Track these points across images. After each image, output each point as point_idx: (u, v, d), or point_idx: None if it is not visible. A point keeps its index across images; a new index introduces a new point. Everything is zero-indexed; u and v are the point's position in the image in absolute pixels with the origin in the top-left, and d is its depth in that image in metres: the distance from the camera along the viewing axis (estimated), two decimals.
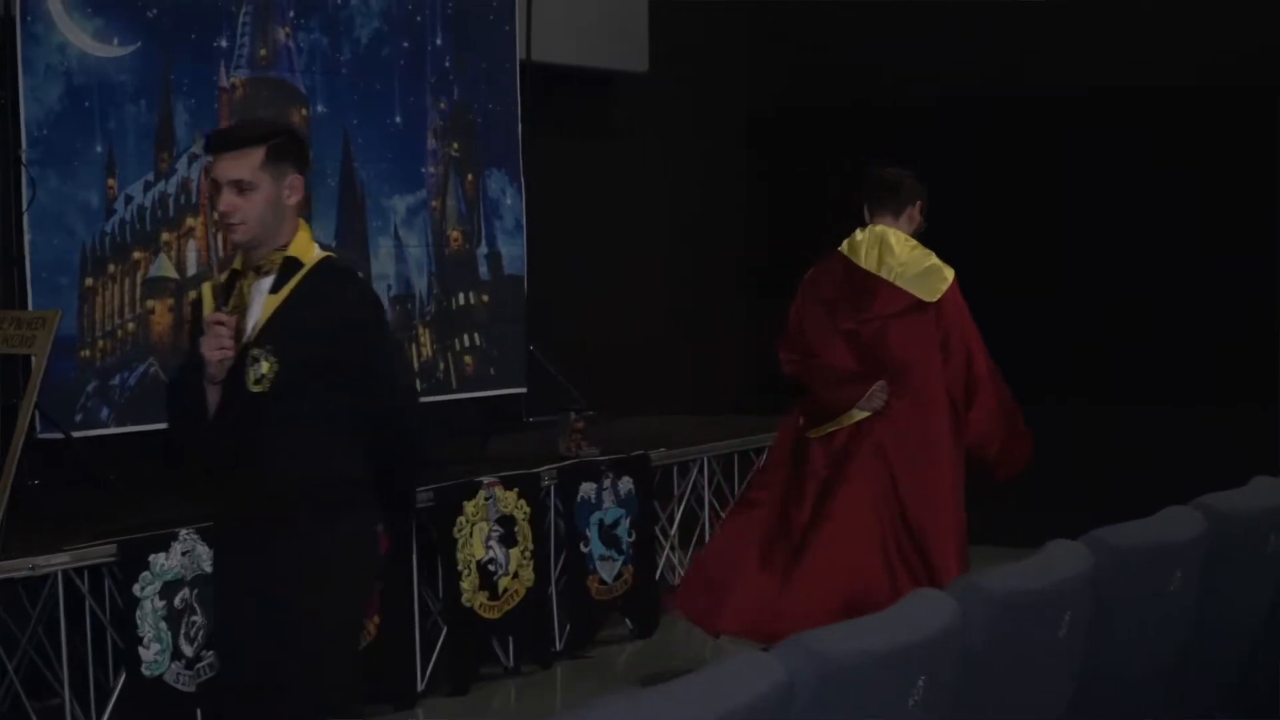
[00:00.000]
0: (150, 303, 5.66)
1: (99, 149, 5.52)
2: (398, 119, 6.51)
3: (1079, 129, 8.23)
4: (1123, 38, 8.58)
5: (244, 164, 3.87)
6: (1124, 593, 3.57)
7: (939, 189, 8.28)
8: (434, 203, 6.68)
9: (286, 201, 3.93)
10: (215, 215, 3.97)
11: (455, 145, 6.74)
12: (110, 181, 5.56)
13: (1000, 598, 3.11)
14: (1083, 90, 8.37)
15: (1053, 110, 8.36)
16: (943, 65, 8.83)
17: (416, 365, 6.60)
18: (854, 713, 2.66)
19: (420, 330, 6.64)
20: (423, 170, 6.64)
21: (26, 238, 5.31)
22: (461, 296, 6.81)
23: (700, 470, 7.21)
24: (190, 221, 5.78)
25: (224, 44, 5.89)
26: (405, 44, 6.51)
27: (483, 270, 6.89)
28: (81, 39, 5.47)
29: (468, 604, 5.96)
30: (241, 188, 3.87)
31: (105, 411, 5.54)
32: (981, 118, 8.51)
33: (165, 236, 5.70)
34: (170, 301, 5.71)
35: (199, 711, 5.18)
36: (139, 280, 5.64)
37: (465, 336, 6.82)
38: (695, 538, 7.30)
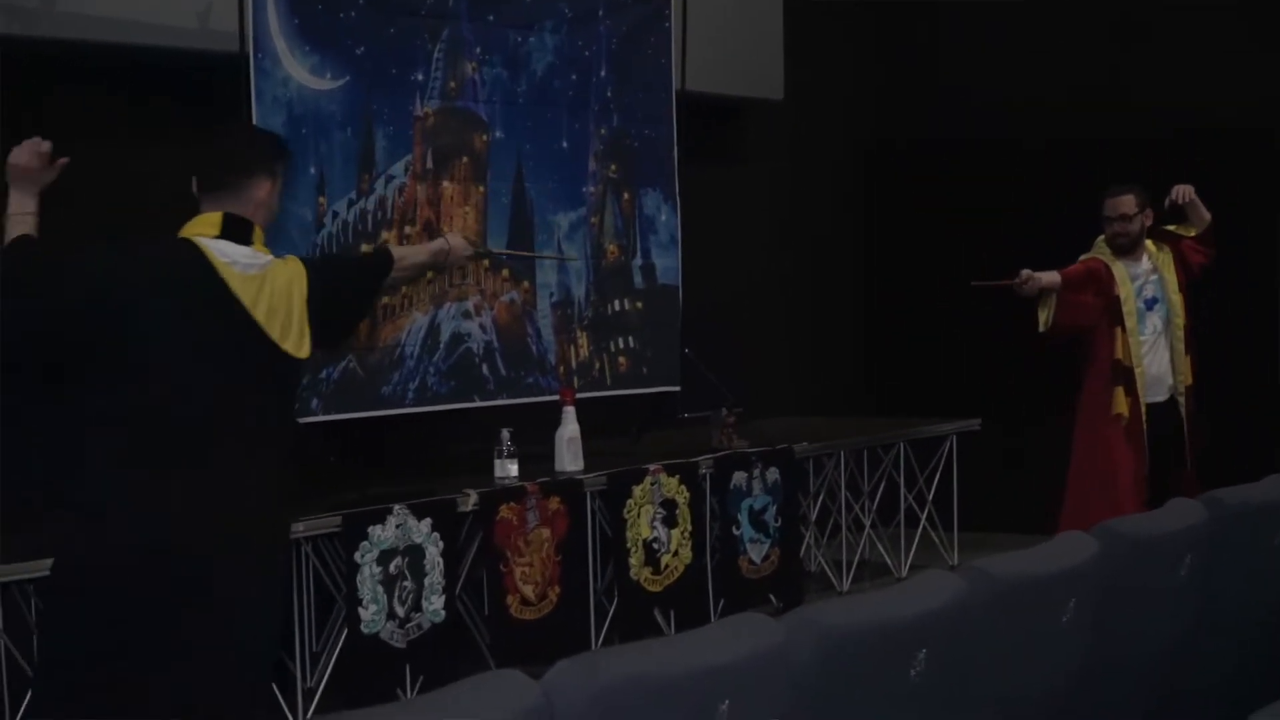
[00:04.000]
0: None
1: (312, 170, 6.13)
2: (564, 144, 7.11)
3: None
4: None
5: None
6: (1128, 581, 3.64)
7: (1055, 226, 8.69)
8: (593, 219, 7.29)
9: None
10: None
11: (613, 167, 7.34)
12: (321, 199, 6.18)
13: (1005, 580, 3.22)
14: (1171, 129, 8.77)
15: (1167, 148, 8.63)
16: (1064, 104, 9.22)
17: (574, 364, 7.20)
18: (853, 683, 2.80)
19: (579, 333, 7.25)
20: (584, 190, 7.24)
21: None
22: (617, 303, 7.37)
23: (837, 464, 7.82)
24: (385, 235, 6.40)
25: (420, 77, 6.51)
26: (574, 76, 7.11)
27: (637, 280, 7.46)
28: (301, 73, 6.10)
29: (634, 578, 6.59)
30: None
31: (315, 402, 6.16)
32: (1105, 157, 8.83)
33: (364, 248, 6.31)
34: None
35: (408, 667, 5.86)
36: None
37: (620, 339, 7.36)
38: (830, 525, 7.91)
